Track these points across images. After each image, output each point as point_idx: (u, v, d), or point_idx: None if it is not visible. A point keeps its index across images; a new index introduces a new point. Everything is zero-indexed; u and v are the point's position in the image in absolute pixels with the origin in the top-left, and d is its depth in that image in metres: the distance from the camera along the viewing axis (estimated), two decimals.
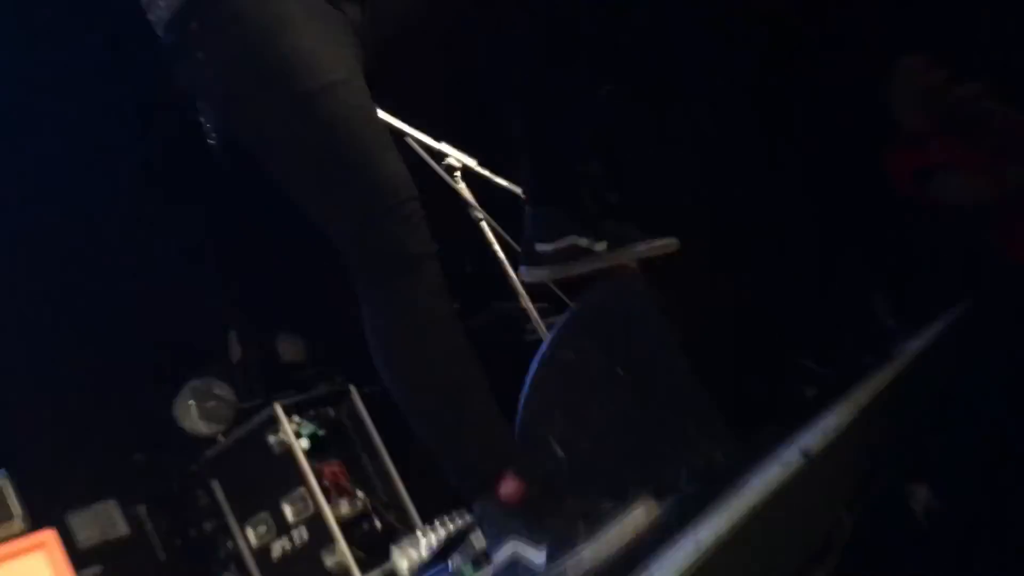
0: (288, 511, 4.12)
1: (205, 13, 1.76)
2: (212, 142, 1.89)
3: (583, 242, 2.14)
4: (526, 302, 2.66)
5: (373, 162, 1.72)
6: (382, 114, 2.84)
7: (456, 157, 2.92)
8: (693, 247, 2.27)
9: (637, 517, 1.54)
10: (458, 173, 2.91)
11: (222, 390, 4.66)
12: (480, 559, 1.82)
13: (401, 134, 2.82)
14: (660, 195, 2.98)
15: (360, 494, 4.33)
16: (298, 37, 1.75)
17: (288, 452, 4.15)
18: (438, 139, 2.89)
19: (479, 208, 2.85)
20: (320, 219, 1.75)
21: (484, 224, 2.81)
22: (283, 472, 4.14)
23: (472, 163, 2.97)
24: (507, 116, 2.15)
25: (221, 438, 4.41)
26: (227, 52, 1.76)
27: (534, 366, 2.07)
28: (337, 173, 1.72)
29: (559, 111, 2.13)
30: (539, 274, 2.18)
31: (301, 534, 4.10)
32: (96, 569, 3.78)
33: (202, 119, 1.88)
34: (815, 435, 1.63)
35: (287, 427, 4.19)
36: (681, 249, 2.21)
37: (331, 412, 4.58)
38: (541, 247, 2.16)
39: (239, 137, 1.81)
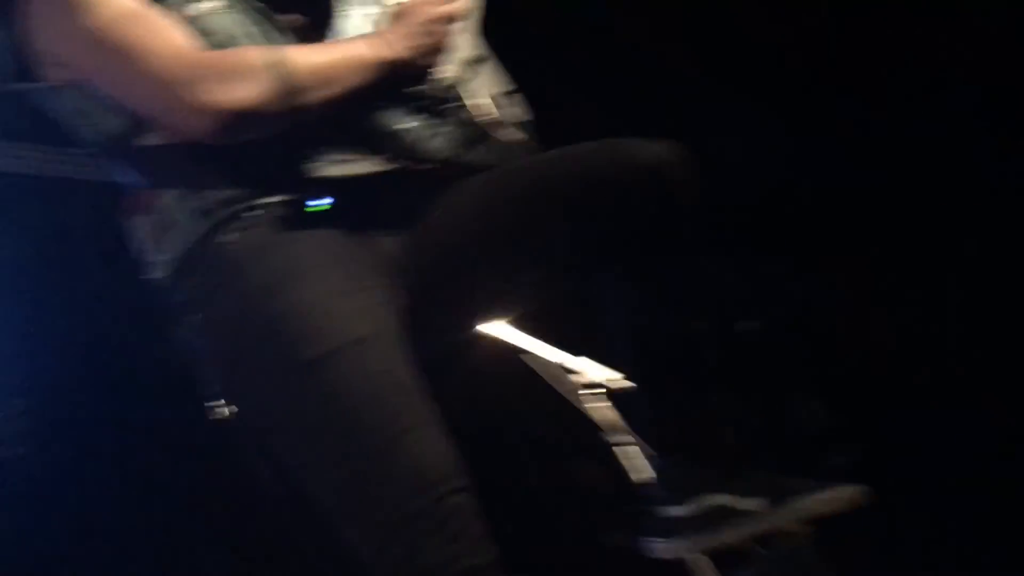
0: None
1: (203, 267, 1.47)
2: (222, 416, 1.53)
3: (729, 501, 1.60)
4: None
5: (398, 445, 1.31)
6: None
7: (592, 374, 2.47)
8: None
9: None
10: (593, 392, 2.45)
11: None
12: None
13: (515, 350, 2.42)
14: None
15: None
16: (307, 291, 1.40)
17: None
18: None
19: (622, 432, 2.37)
20: (328, 526, 1.33)
21: (625, 452, 2.33)
22: None
23: (613, 378, 2.50)
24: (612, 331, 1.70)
25: None
26: (224, 312, 1.44)
27: None
28: (347, 461, 1.33)
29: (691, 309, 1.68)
30: (677, 548, 1.64)
31: None
32: None
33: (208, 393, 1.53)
34: None
35: None
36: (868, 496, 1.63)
37: None
38: (672, 511, 1.63)
39: (242, 416, 1.45)
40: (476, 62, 1.76)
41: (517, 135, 1.72)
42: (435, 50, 1.64)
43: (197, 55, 1.49)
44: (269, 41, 1.60)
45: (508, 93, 1.76)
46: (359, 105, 1.56)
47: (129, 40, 1.48)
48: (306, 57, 1.53)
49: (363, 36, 1.61)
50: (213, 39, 1.55)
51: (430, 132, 1.62)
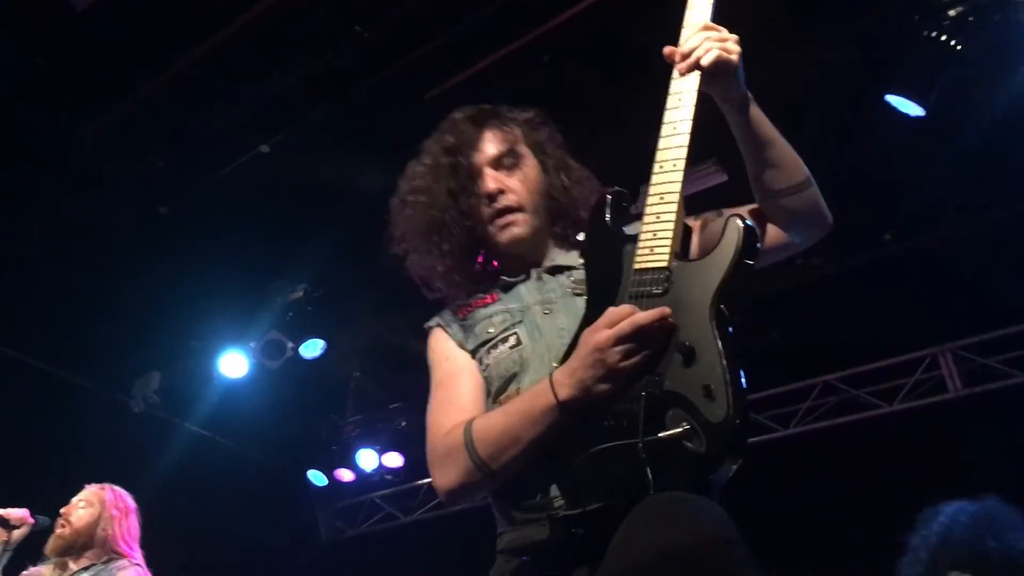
0: None
1: None
2: None
3: None
4: None
5: None
6: None
7: None
8: None
9: None
10: None
11: None
12: None
13: None
14: None
15: None
16: None
17: None
18: None
19: None
20: None
21: None
22: None
23: None
24: None
25: None
26: None
27: None
28: None
29: None
30: None
31: None
32: None
33: None
34: None
35: None
36: None
37: None
38: None
39: None
40: (684, 358, 1.71)
41: (699, 446, 1.65)
42: (608, 377, 1.74)
43: (439, 439, 1.96)
44: (547, 351, 1.98)
45: (708, 389, 1.61)
46: (553, 448, 1.80)
47: (430, 410, 2.05)
48: (488, 425, 1.89)
49: (538, 385, 1.85)
50: (499, 381, 2.01)
51: (612, 465, 1.69)
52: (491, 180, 2.16)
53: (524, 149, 2.24)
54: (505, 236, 2.15)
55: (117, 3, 4.36)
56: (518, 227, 2.15)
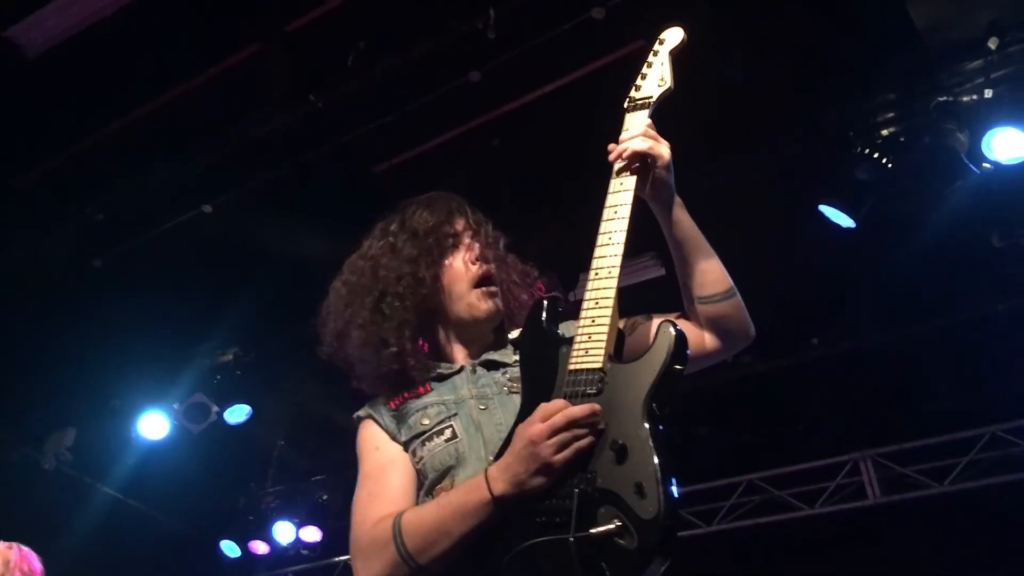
0: None
1: None
2: None
3: None
4: None
5: None
6: None
7: None
8: None
9: None
10: None
11: None
12: None
13: None
14: None
15: None
16: None
17: None
18: None
19: None
20: None
21: None
22: None
23: None
24: None
25: None
26: None
27: None
28: None
29: None
30: None
31: None
32: None
33: None
34: None
35: None
36: None
37: None
38: None
39: None
40: (616, 456, 1.72)
41: (630, 543, 1.66)
42: (542, 471, 1.74)
43: (365, 531, 1.92)
44: (484, 446, 1.97)
45: (640, 487, 1.62)
46: (484, 545, 1.78)
47: (357, 501, 2.00)
48: (418, 518, 1.87)
49: (473, 479, 1.84)
50: (434, 474, 1.98)
51: (544, 561, 1.69)
52: (478, 247, 2.21)
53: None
54: (484, 305, 2.15)
55: (69, 53, 4.34)
56: (498, 299, 2.17)
